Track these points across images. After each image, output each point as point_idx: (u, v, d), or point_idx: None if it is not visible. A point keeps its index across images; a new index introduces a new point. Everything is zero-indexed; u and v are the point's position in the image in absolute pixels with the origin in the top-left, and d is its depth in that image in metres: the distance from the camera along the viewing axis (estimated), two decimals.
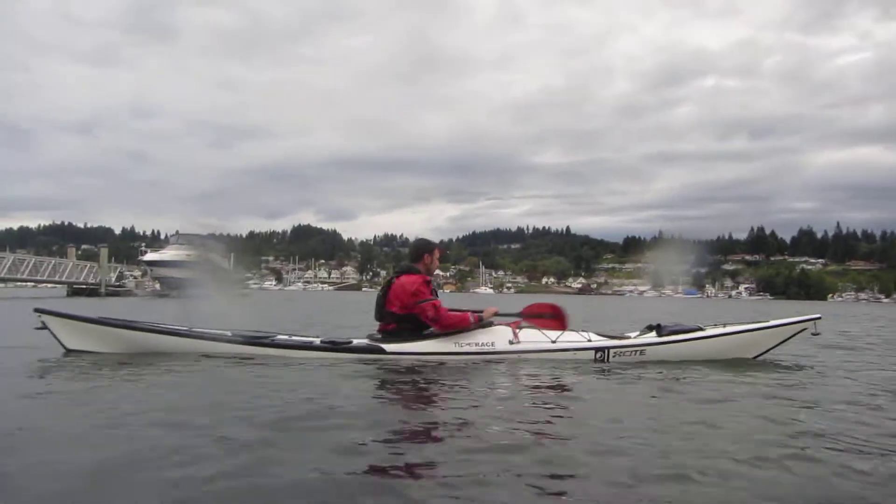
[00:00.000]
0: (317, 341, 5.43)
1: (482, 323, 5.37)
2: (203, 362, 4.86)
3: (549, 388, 4.28)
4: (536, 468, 2.31)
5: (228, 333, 5.36)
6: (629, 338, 5.65)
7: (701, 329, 5.72)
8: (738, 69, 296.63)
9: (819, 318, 5.76)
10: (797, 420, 3.24)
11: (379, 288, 5.61)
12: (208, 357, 5.03)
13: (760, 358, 5.69)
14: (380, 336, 5.35)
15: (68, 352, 5.19)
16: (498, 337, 5.28)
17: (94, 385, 4.05)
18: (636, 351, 5.42)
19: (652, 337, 5.58)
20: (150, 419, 2.94)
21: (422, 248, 5.59)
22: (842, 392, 4.17)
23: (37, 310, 5.26)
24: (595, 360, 5.30)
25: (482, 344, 5.23)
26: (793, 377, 4.88)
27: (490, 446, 2.58)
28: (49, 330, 5.22)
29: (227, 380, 4.31)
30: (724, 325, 5.91)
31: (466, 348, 5.20)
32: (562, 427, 3.06)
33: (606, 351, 5.36)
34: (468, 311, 5.41)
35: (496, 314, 5.58)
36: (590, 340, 5.44)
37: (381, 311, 5.31)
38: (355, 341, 5.37)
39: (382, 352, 5.15)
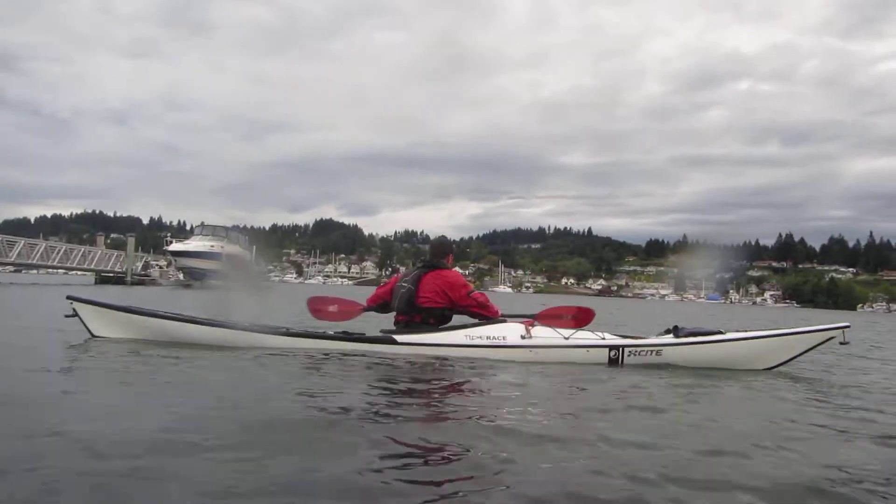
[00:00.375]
0: (330, 332, 5.59)
1: (494, 319, 5.46)
2: (218, 352, 5.06)
3: (558, 391, 4.31)
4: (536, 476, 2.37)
5: (245, 323, 5.47)
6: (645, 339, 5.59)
7: (720, 333, 5.54)
8: (774, 73, 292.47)
9: (848, 326, 5.50)
10: (806, 438, 3.16)
11: (404, 282, 5.61)
12: (224, 346, 5.21)
13: (783, 368, 5.48)
14: (393, 328, 5.50)
15: (93, 338, 5.36)
16: (510, 332, 5.31)
17: (109, 375, 4.16)
18: (652, 351, 5.33)
19: (669, 338, 5.48)
20: (151, 413, 3.01)
21: (447, 247, 5.85)
22: (861, 411, 3.93)
23: (69, 297, 5.45)
24: (609, 359, 5.26)
25: (494, 338, 5.27)
26: (812, 389, 4.76)
27: (485, 452, 2.64)
28: (79, 317, 5.39)
29: (238, 371, 4.44)
30: (746, 331, 5.74)
31: (478, 341, 5.24)
32: (564, 434, 3.08)
33: (621, 350, 5.29)
34: None
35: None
36: (604, 339, 5.41)
37: (410, 304, 5.40)
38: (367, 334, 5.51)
39: (394, 342, 5.26)
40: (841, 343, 5.48)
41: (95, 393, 3.51)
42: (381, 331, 5.53)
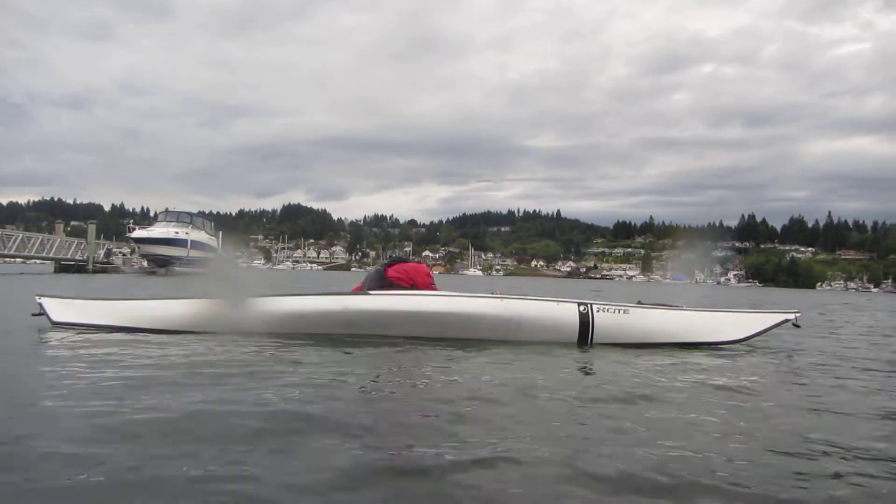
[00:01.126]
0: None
1: None
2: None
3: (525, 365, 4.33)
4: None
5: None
6: None
7: (681, 308, 5.84)
8: (736, 56, 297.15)
9: (799, 313, 5.88)
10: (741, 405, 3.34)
11: (371, 268, 6.39)
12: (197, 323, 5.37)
13: (739, 345, 5.71)
14: None
15: (54, 325, 5.48)
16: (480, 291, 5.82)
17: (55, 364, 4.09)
18: (620, 310, 5.53)
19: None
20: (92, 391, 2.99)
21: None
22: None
23: (39, 295, 5.63)
24: (580, 314, 5.45)
25: (465, 291, 5.77)
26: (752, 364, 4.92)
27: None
28: (45, 312, 5.53)
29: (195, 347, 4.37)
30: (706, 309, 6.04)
31: (449, 291, 5.81)
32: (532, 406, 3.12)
33: (590, 305, 5.52)
34: None
35: None
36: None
37: (380, 279, 5.80)
38: None
39: (367, 294, 5.61)
40: (795, 325, 5.89)
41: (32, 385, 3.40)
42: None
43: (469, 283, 35.54)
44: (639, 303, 5.84)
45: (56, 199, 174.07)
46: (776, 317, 5.78)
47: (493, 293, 5.71)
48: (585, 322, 5.42)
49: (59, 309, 5.54)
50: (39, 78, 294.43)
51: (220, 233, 49.49)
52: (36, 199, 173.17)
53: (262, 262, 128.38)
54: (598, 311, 5.45)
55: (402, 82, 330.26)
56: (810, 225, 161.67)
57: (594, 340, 5.44)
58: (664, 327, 5.56)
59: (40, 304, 5.51)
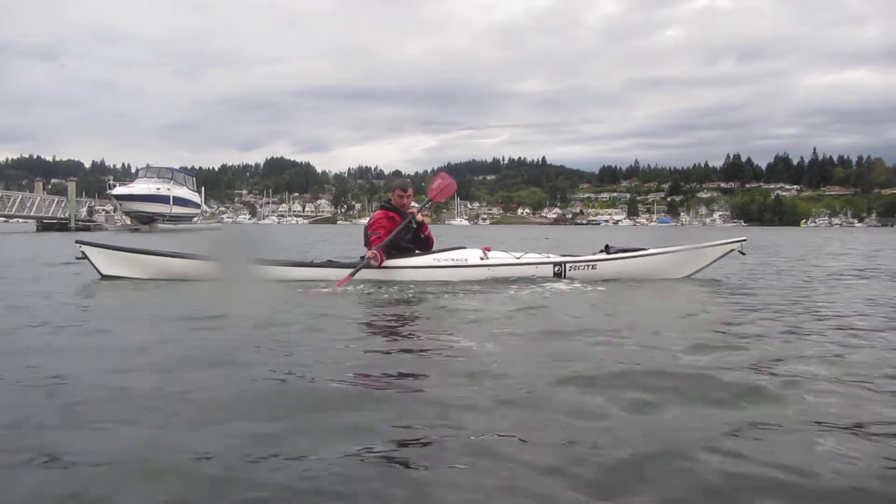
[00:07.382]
0: (317, 260, 6.34)
1: (458, 247, 6.27)
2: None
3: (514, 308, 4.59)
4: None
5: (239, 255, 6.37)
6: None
7: (644, 249, 6.42)
8: None
9: (744, 240, 6.55)
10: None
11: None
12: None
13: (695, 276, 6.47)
14: None
15: (104, 277, 5.96)
16: (470, 255, 6.13)
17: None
18: (588, 265, 6.23)
19: (602, 255, 6.36)
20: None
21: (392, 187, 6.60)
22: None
23: (78, 241, 6.12)
24: (554, 273, 6.12)
25: (458, 259, 6.08)
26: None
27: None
28: (88, 259, 6.01)
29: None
30: (665, 248, 6.57)
31: (445, 263, 6.05)
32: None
33: (563, 265, 6.19)
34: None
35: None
36: (549, 258, 6.30)
37: (366, 239, 6.09)
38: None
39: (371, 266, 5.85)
40: (741, 253, 6.53)
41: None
42: (361, 258, 6.05)
43: (456, 233, 35.69)
44: (607, 247, 6.43)
45: (35, 156, 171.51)
46: (723, 248, 6.45)
47: (483, 249, 6.18)
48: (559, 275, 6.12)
49: (108, 261, 6.04)
50: (7, 27, 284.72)
51: (203, 188, 48.97)
52: (14, 157, 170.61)
53: (248, 217, 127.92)
54: (570, 270, 6.14)
55: (384, 25, 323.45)
56: (795, 162, 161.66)
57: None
58: (627, 275, 6.21)
59: (83, 252, 5.99)
